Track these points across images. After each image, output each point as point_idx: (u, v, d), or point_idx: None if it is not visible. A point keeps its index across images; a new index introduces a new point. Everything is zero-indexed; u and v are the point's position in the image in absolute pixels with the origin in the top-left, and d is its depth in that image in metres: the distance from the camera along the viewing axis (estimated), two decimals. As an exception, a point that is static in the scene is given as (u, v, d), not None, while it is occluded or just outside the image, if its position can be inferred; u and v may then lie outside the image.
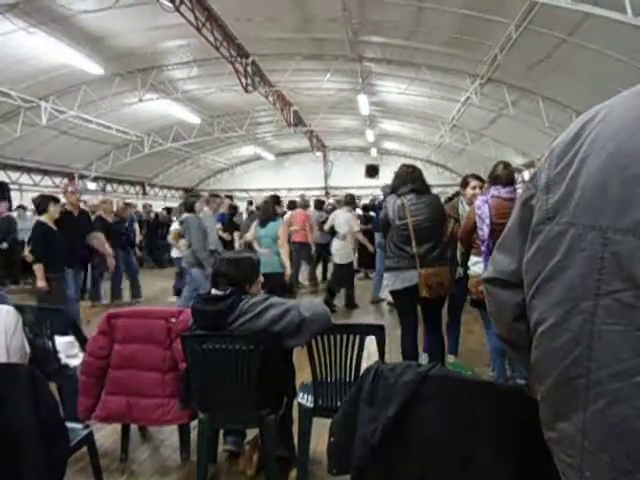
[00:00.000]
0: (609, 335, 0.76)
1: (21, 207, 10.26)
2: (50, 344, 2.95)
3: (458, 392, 1.40)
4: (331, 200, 13.34)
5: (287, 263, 5.38)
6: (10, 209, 9.60)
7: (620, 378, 0.75)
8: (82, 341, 3.10)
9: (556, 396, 0.87)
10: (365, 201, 12.63)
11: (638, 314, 0.73)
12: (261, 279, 2.57)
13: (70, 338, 3.17)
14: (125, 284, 7.84)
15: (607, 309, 0.77)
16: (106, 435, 3.03)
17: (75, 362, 3.03)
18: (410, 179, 3.63)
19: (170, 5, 6.81)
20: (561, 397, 0.85)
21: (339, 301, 6.94)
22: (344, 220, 6.79)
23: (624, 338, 0.75)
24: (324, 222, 7.78)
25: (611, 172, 0.78)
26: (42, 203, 5.01)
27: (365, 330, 2.47)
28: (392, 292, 3.80)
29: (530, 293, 0.91)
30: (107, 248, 6.46)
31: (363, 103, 12.06)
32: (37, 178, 13.79)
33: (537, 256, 0.88)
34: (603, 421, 0.77)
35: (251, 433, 2.77)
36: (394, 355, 4.05)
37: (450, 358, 4.13)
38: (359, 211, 9.11)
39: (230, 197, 10.35)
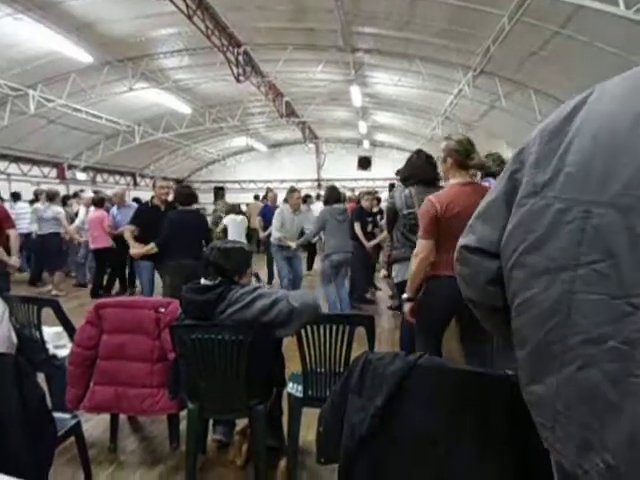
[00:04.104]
0: (586, 304, 0.79)
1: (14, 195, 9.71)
2: (38, 334, 2.93)
3: (446, 381, 1.41)
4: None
5: None
6: None
7: (594, 343, 0.78)
8: (71, 331, 3.08)
9: (534, 361, 0.90)
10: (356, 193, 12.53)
11: (613, 284, 0.76)
12: (252, 271, 2.54)
13: (58, 328, 3.14)
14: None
15: (584, 279, 0.80)
16: (95, 425, 3.02)
17: (63, 352, 3.01)
18: (420, 170, 3.62)
19: (160, -8, 6.72)
20: (538, 362, 0.89)
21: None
22: None
23: (600, 306, 0.78)
24: None
25: (597, 149, 0.81)
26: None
27: (355, 320, 2.47)
28: (398, 284, 3.73)
29: (509, 264, 0.93)
30: None
31: (356, 94, 11.99)
32: (25, 168, 13.61)
33: (519, 228, 0.91)
34: (574, 383, 0.81)
35: (241, 423, 2.77)
36: (384, 345, 4.07)
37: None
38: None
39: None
